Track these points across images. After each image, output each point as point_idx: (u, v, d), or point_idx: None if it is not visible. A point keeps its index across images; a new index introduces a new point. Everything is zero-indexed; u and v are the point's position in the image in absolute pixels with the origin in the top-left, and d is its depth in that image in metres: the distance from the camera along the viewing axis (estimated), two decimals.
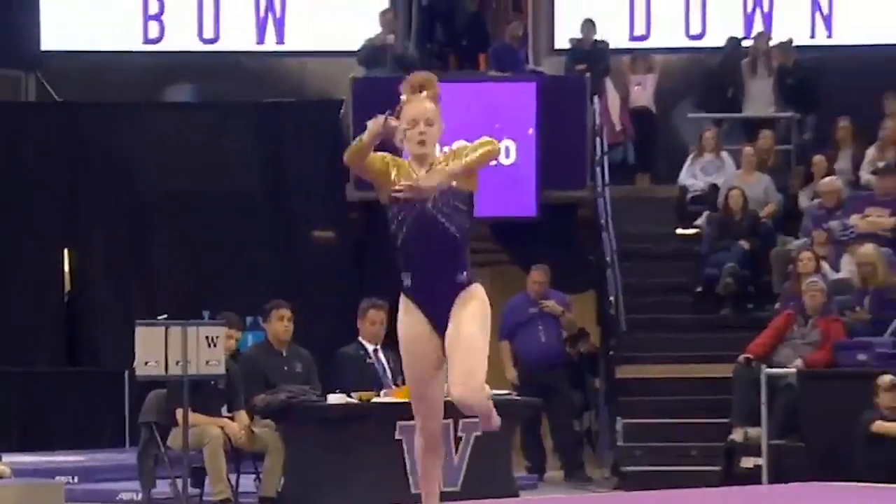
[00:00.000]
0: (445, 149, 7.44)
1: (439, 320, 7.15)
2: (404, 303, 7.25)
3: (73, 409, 18.45)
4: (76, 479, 15.01)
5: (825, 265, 17.32)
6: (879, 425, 14.62)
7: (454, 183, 7.03)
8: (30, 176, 19.49)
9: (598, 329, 18.62)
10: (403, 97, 7.22)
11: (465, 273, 7.19)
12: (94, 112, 20.17)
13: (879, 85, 19.95)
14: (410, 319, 7.24)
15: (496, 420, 7.44)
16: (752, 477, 14.84)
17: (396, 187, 7.03)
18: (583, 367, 18.20)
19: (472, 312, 7.12)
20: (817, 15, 21.23)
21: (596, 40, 20.27)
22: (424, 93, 7.22)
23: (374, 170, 7.17)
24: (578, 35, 20.41)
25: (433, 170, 7.07)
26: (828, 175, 18.78)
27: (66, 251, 19.44)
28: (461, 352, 7.06)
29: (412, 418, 13.10)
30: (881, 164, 18.70)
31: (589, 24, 20.30)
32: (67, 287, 19.41)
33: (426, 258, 7.18)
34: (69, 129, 19.85)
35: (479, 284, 7.28)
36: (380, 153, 7.16)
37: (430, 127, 7.15)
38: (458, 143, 7.20)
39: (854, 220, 17.75)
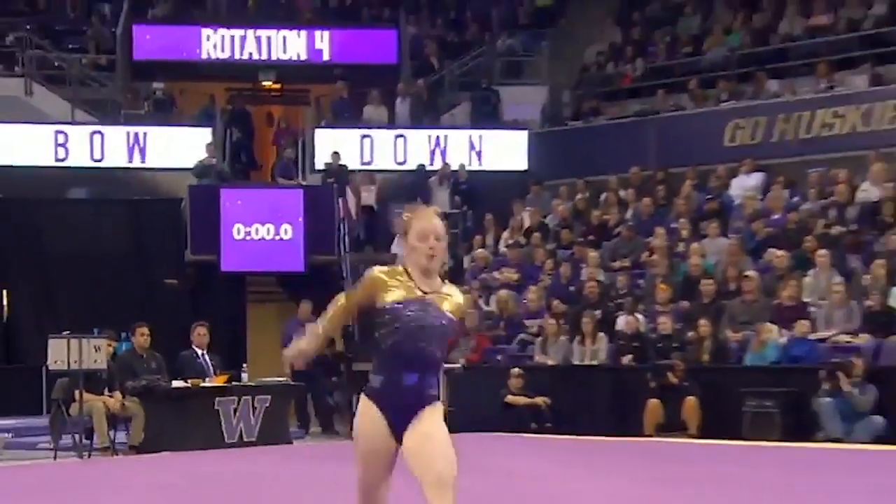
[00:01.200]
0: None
1: (399, 426, 4.99)
2: (366, 403, 5.04)
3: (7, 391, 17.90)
4: (11, 435, 14.71)
5: (480, 302, 17.63)
6: (511, 398, 15.27)
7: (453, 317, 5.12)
8: None
9: (342, 340, 18.04)
10: (407, 214, 5.23)
11: (437, 388, 5.09)
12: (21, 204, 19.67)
13: (510, 194, 20.40)
14: (370, 418, 5.01)
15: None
16: None
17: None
18: (333, 363, 17.91)
19: (439, 419, 5.02)
20: (473, 152, 21.00)
21: (340, 164, 20.06)
22: (432, 208, 5.35)
23: (368, 301, 5.13)
24: (329, 160, 20.17)
25: (437, 296, 5.09)
26: (480, 248, 19.38)
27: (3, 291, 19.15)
28: (436, 446, 4.94)
29: (227, 395, 13.82)
30: (510, 242, 19.22)
31: (336, 154, 20.10)
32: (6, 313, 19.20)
33: (410, 366, 5.02)
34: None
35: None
36: (369, 280, 5.11)
37: (438, 242, 5.09)
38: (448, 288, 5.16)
39: (496, 275, 18.27)
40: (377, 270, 5.15)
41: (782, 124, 19.19)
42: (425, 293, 5.07)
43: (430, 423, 4.98)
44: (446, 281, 5.19)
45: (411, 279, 5.08)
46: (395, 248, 18.57)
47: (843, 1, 20.55)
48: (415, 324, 5.01)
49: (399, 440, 4.99)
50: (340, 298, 5.21)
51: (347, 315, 5.27)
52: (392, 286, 5.07)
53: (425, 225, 5.10)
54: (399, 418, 4.99)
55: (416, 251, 5.10)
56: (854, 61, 19.47)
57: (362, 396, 5.09)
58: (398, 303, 5.04)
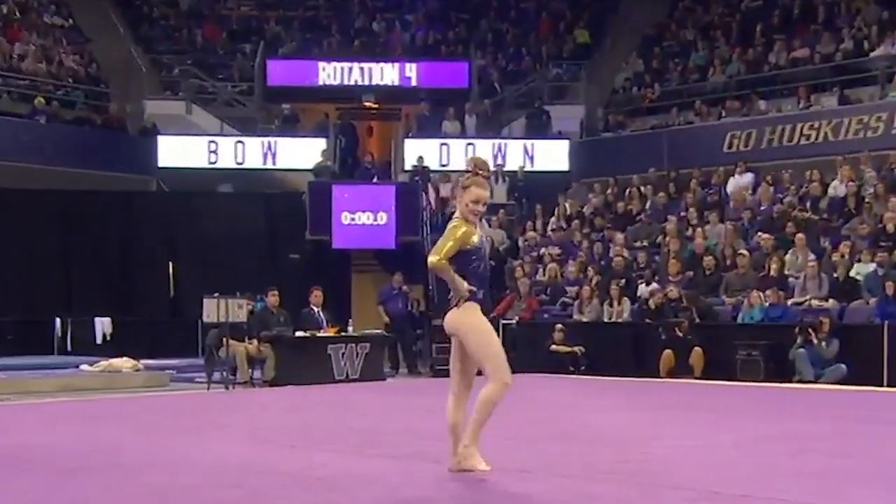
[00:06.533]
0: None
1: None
2: (476, 307, 5.46)
3: (173, 338, 18.26)
4: (175, 372, 14.82)
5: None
6: (554, 347, 15.24)
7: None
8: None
9: (425, 301, 18.22)
10: (466, 177, 5.51)
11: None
12: (183, 197, 19.58)
13: (555, 189, 20.16)
14: (482, 316, 5.48)
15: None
16: None
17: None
18: (417, 319, 17.83)
19: None
20: (526, 156, 20.72)
21: (423, 166, 19.95)
22: (488, 179, 5.55)
23: (461, 247, 5.43)
24: (415, 162, 20.10)
25: (486, 237, 5.65)
26: (531, 231, 19.15)
27: (171, 264, 18.88)
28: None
29: (337, 343, 14.30)
30: (555, 227, 19.10)
31: (420, 158, 20.01)
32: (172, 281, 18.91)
33: (483, 284, 5.49)
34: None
35: None
36: (461, 234, 5.39)
37: (483, 207, 5.51)
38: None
39: (543, 252, 18.11)
40: (463, 224, 5.45)
41: (770, 135, 19.03)
42: (480, 236, 5.54)
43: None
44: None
45: (474, 226, 5.49)
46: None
47: (818, 38, 20.29)
48: (485, 256, 5.55)
49: None
50: (440, 257, 5.38)
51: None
52: (472, 232, 5.45)
53: (480, 193, 5.47)
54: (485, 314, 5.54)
55: (468, 209, 5.45)
56: (826, 86, 19.28)
57: (472, 303, 5.46)
58: (478, 244, 5.47)
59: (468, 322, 5.47)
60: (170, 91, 22.47)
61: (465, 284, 5.43)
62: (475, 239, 5.46)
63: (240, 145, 20.62)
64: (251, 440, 7.51)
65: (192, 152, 20.46)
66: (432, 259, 5.40)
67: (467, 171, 5.62)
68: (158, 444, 7.27)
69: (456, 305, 5.49)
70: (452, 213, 5.62)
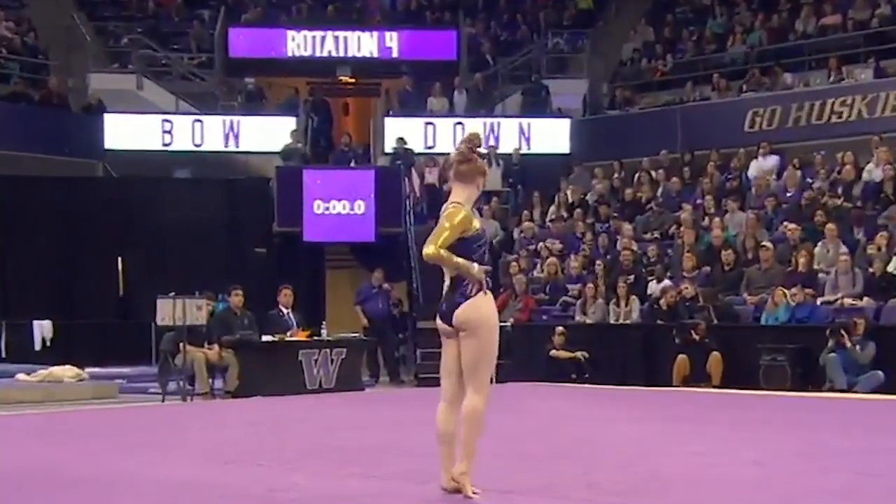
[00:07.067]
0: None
1: None
2: (492, 298, 5.51)
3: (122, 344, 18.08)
4: (125, 381, 14.95)
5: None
6: (554, 353, 15.23)
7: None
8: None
9: (408, 301, 18.50)
10: (483, 163, 5.52)
11: None
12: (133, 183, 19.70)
13: (554, 174, 20.35)
14: (496, 312, 5.57)
15: None
16: None
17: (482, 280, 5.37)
18: (400, 321, 18.12)
19: None
20: (522, 137, 20.85)
21: (406, 148, 20.00)
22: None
23: (461, 234, 5.39)
24: (396, 144, 20.07)
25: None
26: (528, 221, 19.22)
27: (119, 259, 18.81)
28: None
29: (309, 347, 14.04)
30: (555, 216, 19.10)
31: (400, 140, 20.03)
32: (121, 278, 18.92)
33: (488, 275, 5.42)
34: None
35: None
36: (459, 220, 5.35)
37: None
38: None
39: (541, 245, 18.21)
40: (461, 209, 5.41)
41: (796, 112, 19.07)
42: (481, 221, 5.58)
43: None
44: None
45: (471, 212, 5.48)
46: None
47: (851, 3, 20.34)
48: (487, 244, 5.55)
49: None
50: (438, 245, 5.32)
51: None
52: (472, 217, 5.44)
53: (485, 179, 5.61)
54: None
55: (475, 193, 5.52)
56: (860, 56, 19.32)
57: (489, 292, 5.43)
58: (480, 230, 5.46)
59: (486, 313, 5.41)
60: (118, 63, 22.41)
61: (478, 266, 5.37)
62: (476, 224, 5.44)
63: (198, 125, 20.65)
64: (212, 459, 7.52)
65: (144, 133, 20.53)
66: (428, 250, 5.34)
67: (470, 151, 5.54)
68: (105, 465, 7.27)
69: (471, 294, 5.38)
70: (446, 198, 5.60)
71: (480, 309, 5.40)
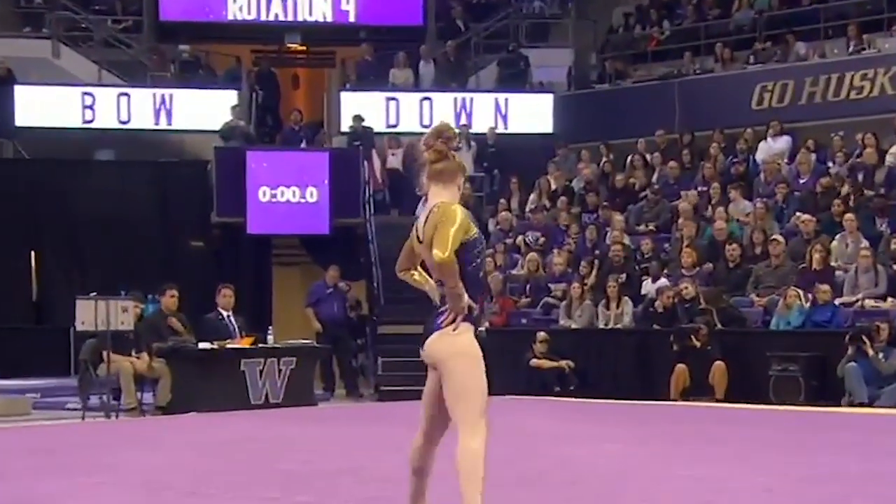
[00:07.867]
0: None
1: None
2: (470, 329, 5.25)
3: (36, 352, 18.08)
4: (39, 395, 14.86)
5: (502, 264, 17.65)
6: (535, 362, 15.32)
7: None
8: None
9: (367, 303, 18.50)
10: (453, 157, 5.29)
11: None
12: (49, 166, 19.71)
13: (535, 157, 20.33)
14: (475, 341, 5.28)
15: None
16: None
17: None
18: (358, 326, 18.15)
19: None
20: (498, 115, 20.95)
21: (365, 127, 19.98)
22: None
23: (462, 236, 5.09)
24: (354, 123, 20.00)
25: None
26: (505, 211, 19.28)
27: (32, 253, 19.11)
28: None
29: (253, 356, 13.78)
30: (535, 205, 19.22)
31: (358, 117, 19.98)
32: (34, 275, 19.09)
33: (480, 289, 5.33)
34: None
35: None
36: (462, 219, 5.09)
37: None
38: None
39: (520, 238, 18.26)
40: (459, 209, 5.14)
41: (810, 87, 19.20)
42: None
43: None
44: None
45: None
46: (419, 211, 18.36)
47: None
48: (485, 250, 5.30)
49: None
50: (445, 255, 5.01)
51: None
52: (469, 219, 5.17)
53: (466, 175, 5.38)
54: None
55: (458, 193, 5.26)
56: (884, 23, 19.47)
57: (466, 323, 5.13)
58: (478, 236, 5.22)
59: (461, 346, 5.14)
60: (30, 27, 22.24)
61: (467, 297, 5.12)
62: (474, 228, 5.19)
63: (124, 98, 20.56)
64: (141, 486, 7.47)
65: (61, 108, 20.41)
66: (442, 255, 5.01)
67: (445, 147, 5.33)
68: (14, 494, 7.18)
69: (443, 325, 5.16)
70: (425, 196, 5.38)
71: (454, 340, 5.15)
